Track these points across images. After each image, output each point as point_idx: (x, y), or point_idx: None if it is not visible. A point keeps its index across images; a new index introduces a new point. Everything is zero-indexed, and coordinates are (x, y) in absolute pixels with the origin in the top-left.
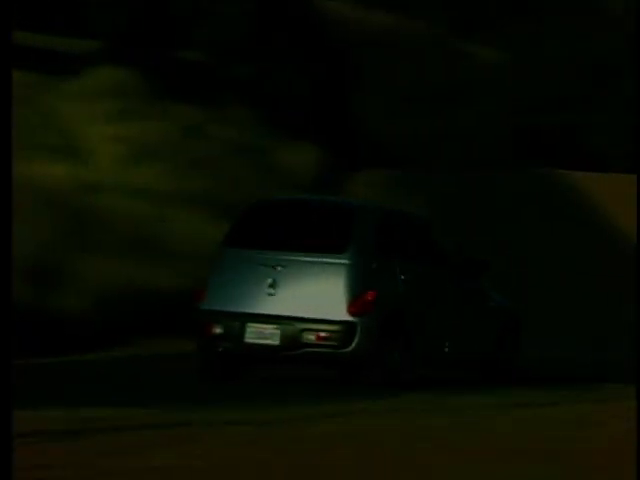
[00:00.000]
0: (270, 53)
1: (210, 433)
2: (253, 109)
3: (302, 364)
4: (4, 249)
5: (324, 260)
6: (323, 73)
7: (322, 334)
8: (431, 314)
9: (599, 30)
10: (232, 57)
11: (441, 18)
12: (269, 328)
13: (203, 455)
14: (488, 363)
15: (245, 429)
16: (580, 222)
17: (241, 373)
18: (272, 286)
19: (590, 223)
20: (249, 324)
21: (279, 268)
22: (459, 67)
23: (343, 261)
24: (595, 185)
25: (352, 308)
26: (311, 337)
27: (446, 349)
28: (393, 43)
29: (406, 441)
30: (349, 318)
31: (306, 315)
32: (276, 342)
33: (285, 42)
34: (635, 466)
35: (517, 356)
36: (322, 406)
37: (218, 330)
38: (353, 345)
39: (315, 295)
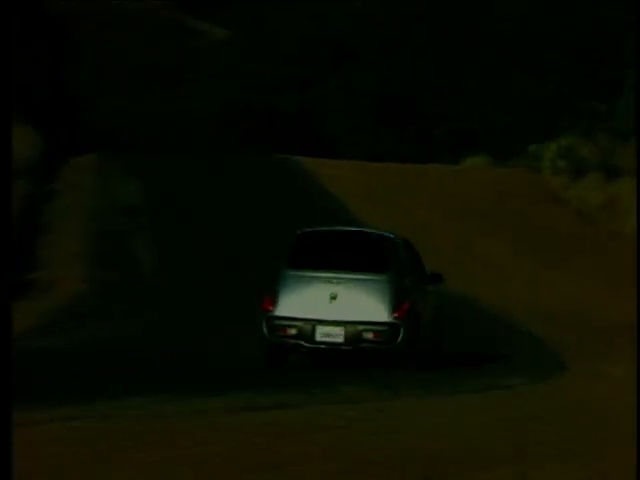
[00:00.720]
0: None
1: None
2: None
3: (360, 355)
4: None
5: (372, 278)
6: (42, 54)
7: (376, 333)
8: (425, 315)
9: (338, 13)
10: None
11: None
12: (335, 329)
13: None
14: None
15: None
16: (307, 207)
17: (287, 360)
18: (333, 298)
19: (319, 209)
20: (318, 326)
21: (337, 284)
22: (188, 45)
23: (386, 278)
24: (324, 171)
25: (396, 313)
26: (369, 335)
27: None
28: (117, 22)
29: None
30: (395, 321)
31: (363, 319)
32: (341, 340)
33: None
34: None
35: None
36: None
37: (293, 331)
38: (399, 340)
39: (367, 304)
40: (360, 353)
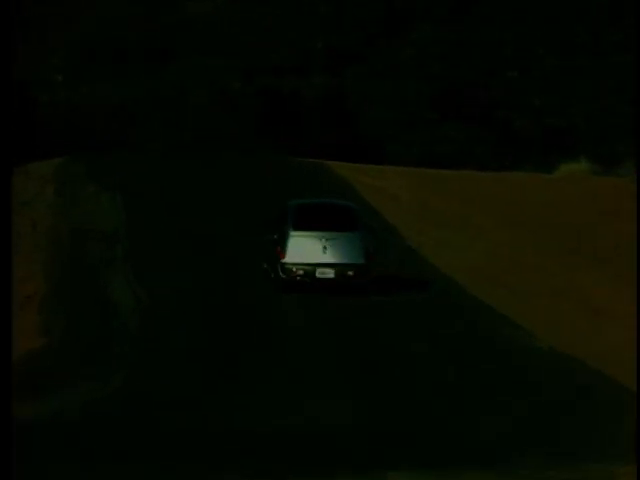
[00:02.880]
0: None
1: None
2: None
3: (344, 286)
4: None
5: (347, 235)
6: None
7: (356, 271)
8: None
9: None
10: None
11: None
12: (328, 269)
13: None
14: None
15: None
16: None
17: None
18: (325, 248)
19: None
20: (317, 268)
21: (326, 239)
22: (180, 17)
23: (358, 235)
24: (363, 179)
25: (367, 258)
26: (350, 273)
27: None
28: None
29: None
30: (365, 262)
31: (346, 262)
32: (332, 276)
33: None
34: None
35: None
36: None
37: (300, 272)
38: (367, 276)
39: (347, 252)
40: (343, 285)
